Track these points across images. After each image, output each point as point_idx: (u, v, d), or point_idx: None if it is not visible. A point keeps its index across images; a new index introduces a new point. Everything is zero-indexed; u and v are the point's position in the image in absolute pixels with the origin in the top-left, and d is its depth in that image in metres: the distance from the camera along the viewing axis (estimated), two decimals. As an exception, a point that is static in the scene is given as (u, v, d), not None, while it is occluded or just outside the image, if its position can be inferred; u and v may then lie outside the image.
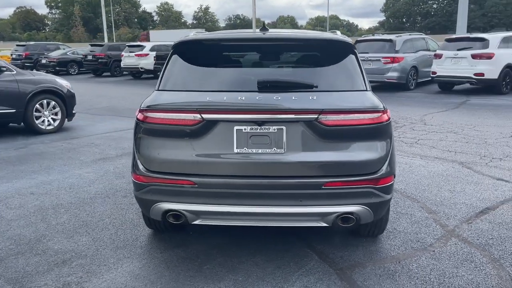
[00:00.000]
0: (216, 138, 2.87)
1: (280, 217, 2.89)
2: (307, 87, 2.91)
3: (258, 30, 3.47)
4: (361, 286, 2.82)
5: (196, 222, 2.97)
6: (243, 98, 2.86)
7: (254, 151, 2.84)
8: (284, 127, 2.82)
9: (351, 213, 2.86)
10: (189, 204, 2.90)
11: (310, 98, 2.83)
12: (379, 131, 2.86)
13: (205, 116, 2.85)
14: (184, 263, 3.14)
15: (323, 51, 3.17)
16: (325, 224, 2.92)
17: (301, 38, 3.29)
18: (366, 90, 2.93)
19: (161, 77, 3.19)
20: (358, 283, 2.86)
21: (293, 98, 2.84)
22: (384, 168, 2.88)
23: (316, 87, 2.90)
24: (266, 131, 2.83)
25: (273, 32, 3.34)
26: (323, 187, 2.79)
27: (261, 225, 2.99)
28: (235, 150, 2.85)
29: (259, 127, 2.83)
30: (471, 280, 2.88)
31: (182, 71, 3.16)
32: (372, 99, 2.89)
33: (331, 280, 2.89)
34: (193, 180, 2.87)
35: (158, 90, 3.12)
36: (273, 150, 2.83)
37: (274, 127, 2.83)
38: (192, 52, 3.24)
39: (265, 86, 2.90)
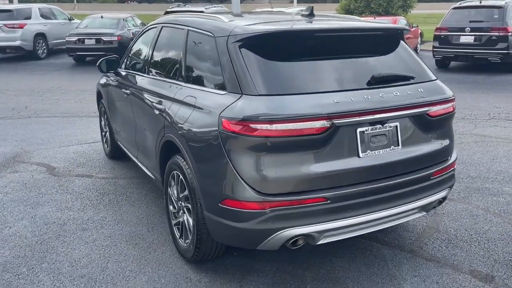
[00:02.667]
0: (339, 145, 2.54)
1: (396, 217, 2.81)
2: (407, 79, 2.86)
3: (302, 15, 3.15)
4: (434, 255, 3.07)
5: (319, 242, 2.59)
6: (369, 97, 2.59)
7: (376, 153, 2.64)
8: (398, 123, 2.72)
9: (445, 197, 3.03)
10: (321, 224, 2.50)
11: (419, 90, 2.80)
12: (452, 117, 3.08)
13: (336, 121, 2.47)
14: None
15: (390, 41, 3.08)
16: (423, 213, 3.01)
17: (375, 28, 3.12)
18: (437, 79, 3.07)
19: (238, 79, 2.56)
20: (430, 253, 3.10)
21: (407, 92, 2.75)
22: (454, 151, 3.15)
23: (414, 78, 2.88)
24: (384, 129, 2.67)
25: (334, 21, 3.07)
26: (431, 177, 2.86)
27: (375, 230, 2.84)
28: (361, 155, 2.59)
29: (379, 126, 2.64)
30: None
31: (267, 71, 2.60)
32: (446, 87, 3.06)
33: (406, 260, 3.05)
34: (325, 196, 2.48)
35: (246, 94, 2.50)
36: (391, 148, 2.70)
37: (391, 124, 2.69)
38: (270, 47, 2.68)
39: (377, 81, 2.70)
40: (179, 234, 3.18)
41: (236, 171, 2.46)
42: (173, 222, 3.26)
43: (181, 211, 3.11)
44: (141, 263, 3.10)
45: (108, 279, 2.90)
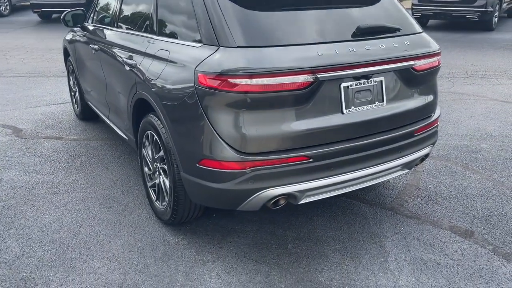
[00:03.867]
0: (322, 101, 2.41)
1: (379, 175, 2.74)
2: (394, 31, 2.71)
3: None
4: (411, 211, 3.07)
5: (301, 202, 2.51)
6: (354, 50, 2.44)
7: (361, 109, 2.53)
8: (383, 78, 2.60)
9: (427, 154, 2.98)
10: (303, 183, 2.41)
11: (405, 43, 2.67)
12: (437, 72, 2.97)
13: (320, 75, 2.33)
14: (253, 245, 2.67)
15: None
16: (406, 171, 2.95)
17: None
18: (423, 32, 2.94)
19: (215, 30, 2.36)
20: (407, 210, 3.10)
21: (393, 44, 2.61)
22: (438, 107, 3.07)
23: (400, 30, 2.73)
24: (369, 84, 2.55)
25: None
26: (415, 133, 2.78)
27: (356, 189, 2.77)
28: (344, 111, 2.48)
29: (363, 81, 2.52)
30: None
31: (246, 21, 2.40)
32: (432, 40, 2.93)
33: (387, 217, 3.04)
34: (307, 155, 2.38)
35: (224, 46, 2.31)
36: (375, 104, 2.59)
37: (376, 79, 2.57)
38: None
39: (362, 33, 2.55)
40: (155, 196, 3.05)
41: (214, 130, 2.32)
42: (149, 184, 3.13)
43: (157, 173, 2.97)
44: (116, 226, 2.97)
45: (81, 244, 2.78)
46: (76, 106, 5.31)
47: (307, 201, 2.53)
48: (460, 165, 3.92)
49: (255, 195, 2.36)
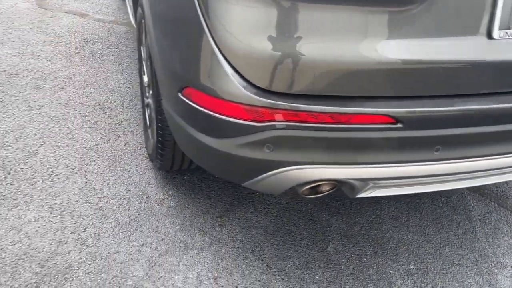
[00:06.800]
0: (455, 8, 1.12)
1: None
2: None
3: None
4: None
5: (362, 195, 1.36)
6: None
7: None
8: None
9: None
10: (375, 166, 1.23)
11: None
12: None
13: None
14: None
15: None
16: None
17: None
18: None
19: None
20: None
21: None
22: None
23: None
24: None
25: None
26: None
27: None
28: (495, 34, 1.17)
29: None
30: None
31: None
32: None
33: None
34: (395, 114, 1.17)
35: None
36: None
37: None
38: None
39: None
40: (149, 122, 2.05)
41: (211, 33, 1.15)
42: (146, 101, 2.11)
43: (149, 87, 1.93)
44: (87, 155, 2.03)
45: (28, 174, 1.90)
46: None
47: (374, 195, 1.37)
48: None
49: (275, 171, 1.24)
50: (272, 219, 1.79)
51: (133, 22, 2.54)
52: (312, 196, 1.34)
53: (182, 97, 1.28)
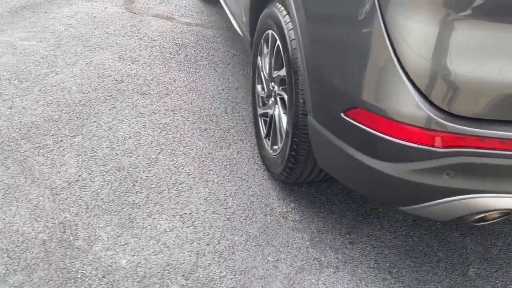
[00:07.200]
0: None
1: None
2: None
3: None
4: None
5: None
6: None
7: None
8: None
9: None
10: None
11: None
12: None
13: None
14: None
15: None
16: None
17: None
18: None
19: None
20: None
21: None
22: None
23: None
24: None
25: None
26: None
27: None
28: None
29: None
30: None
31: None
32: None
33: None
34: None
35: None
36: None
37: None
38: None
39: None
40: (265, 132, 2.05)
41: (394, 53, 1.11)
42: (259, 111, 2.11)
43: (272, 99, 1.92)
44: (204, 163, 2.07)
45: (153, 183, 1.94)
46: (197, -21, 4.32)
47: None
48: None
49: (449, 199, 1.19)
50: (402, 237, 1.73)
51: (238, 30, 2.55)
52: (479, 224, 1.28)
53: (346, 118, 1.26)
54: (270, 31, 1.82)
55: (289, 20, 1.60)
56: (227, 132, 2.33)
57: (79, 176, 1.95)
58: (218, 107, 2.54)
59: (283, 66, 1.77)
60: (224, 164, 2.09)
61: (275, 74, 1.83)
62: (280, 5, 1.71)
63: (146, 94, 2.63)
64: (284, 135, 1.71)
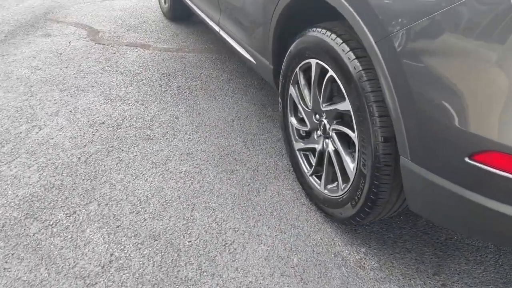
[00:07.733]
0: None
1: None
2: None
3: None
4: None
5: None
6: None
7: None
8: None
9: None
10: None
11: None
12: None
13: None
14: None
15: None
16: None
17: None
18: None
19: None
20: None
21: None
22: None
23: None
24: None
25: None
26: None
27: None
28: None
29: None
30: None
31: None
32: None
33: None
34: None
35: None
36: None
37: None
38: None
39: None
40: (309, 169, 1.84)
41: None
42: (296, 145, 1.89)
43: (319, 132, 1.71)
44: (245, 213, 1.83)
45: (191, 253, 1.69)
46: (163, 0, 4.03)
47: None
48: None
49: None
50: (495, 269, 1.59)
51: (248, 57, 2.31)
52: None
53: (473, 162, 1.07)
54: (314, 60, 1.61)
55: (348, 49, 1.41)
56: (256, 171, 2.10)
57: (111, 255, 1.64)
58: (236, 143, 2.30)
59: (331, 96, 1.58)
60: (269, 211, 1.85)
61: (324, 106, 1.63)
62: (327, 31, 1.51)
63: (152, 139, 2.33)
64: (354, 175, 1.51)
